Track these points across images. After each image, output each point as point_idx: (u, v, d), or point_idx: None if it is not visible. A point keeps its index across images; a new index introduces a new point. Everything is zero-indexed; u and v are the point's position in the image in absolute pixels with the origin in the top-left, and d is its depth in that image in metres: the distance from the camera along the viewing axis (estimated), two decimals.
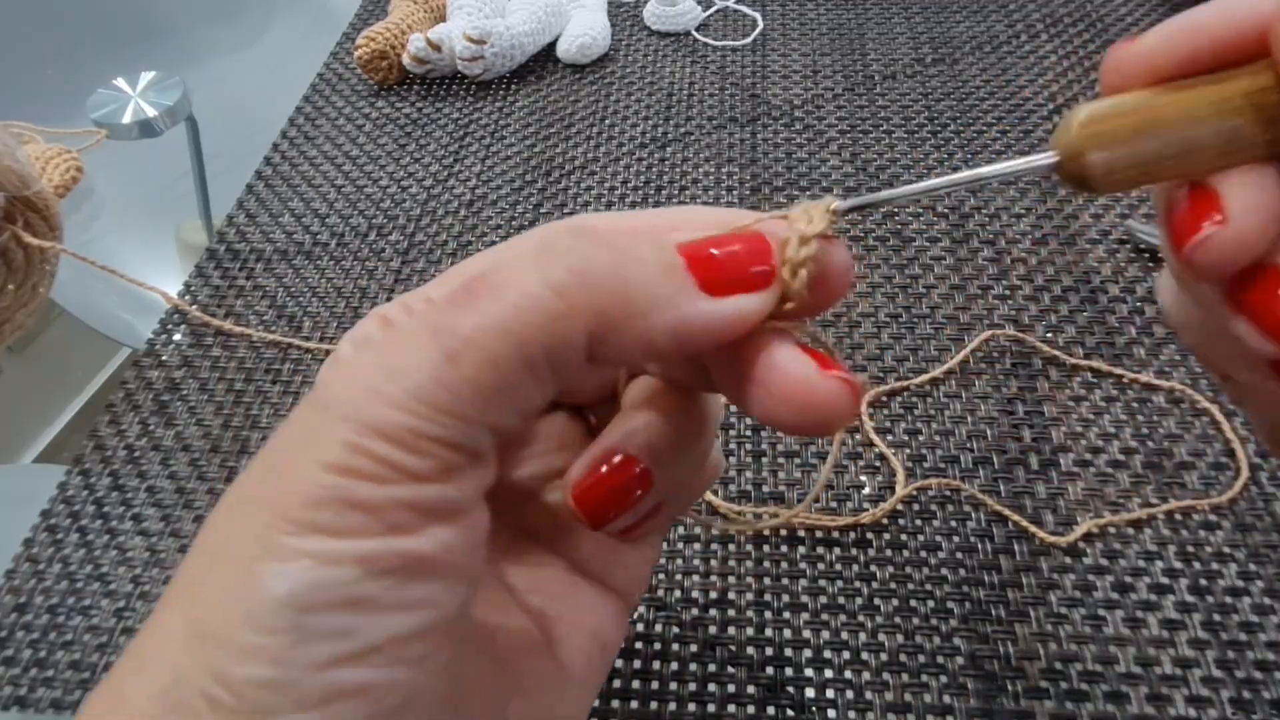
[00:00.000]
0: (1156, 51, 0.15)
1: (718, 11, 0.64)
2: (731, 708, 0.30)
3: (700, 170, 0.51)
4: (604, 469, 0.18)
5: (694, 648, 0.31)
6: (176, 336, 0.44)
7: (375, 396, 0.14)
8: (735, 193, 0.49)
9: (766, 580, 0.33)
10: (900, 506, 0.35)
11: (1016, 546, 0.34)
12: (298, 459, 0.15)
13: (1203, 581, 0.32)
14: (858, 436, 0.37)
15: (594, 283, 0.15)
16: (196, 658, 0.14)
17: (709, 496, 0.35)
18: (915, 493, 0.35)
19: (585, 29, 0.59)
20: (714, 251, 0.16)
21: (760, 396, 0.16)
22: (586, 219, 0.17)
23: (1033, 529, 0.34)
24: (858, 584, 0.33)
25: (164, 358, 0.43)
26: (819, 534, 0.34)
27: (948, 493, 0.35)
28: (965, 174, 0.17)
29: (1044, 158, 0.16)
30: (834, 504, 0.35)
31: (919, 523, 0.34)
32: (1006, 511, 0.34)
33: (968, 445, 0.37)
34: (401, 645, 0.15)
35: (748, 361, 0.16)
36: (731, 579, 0.33)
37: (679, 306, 0.15)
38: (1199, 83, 0.15)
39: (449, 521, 0.15)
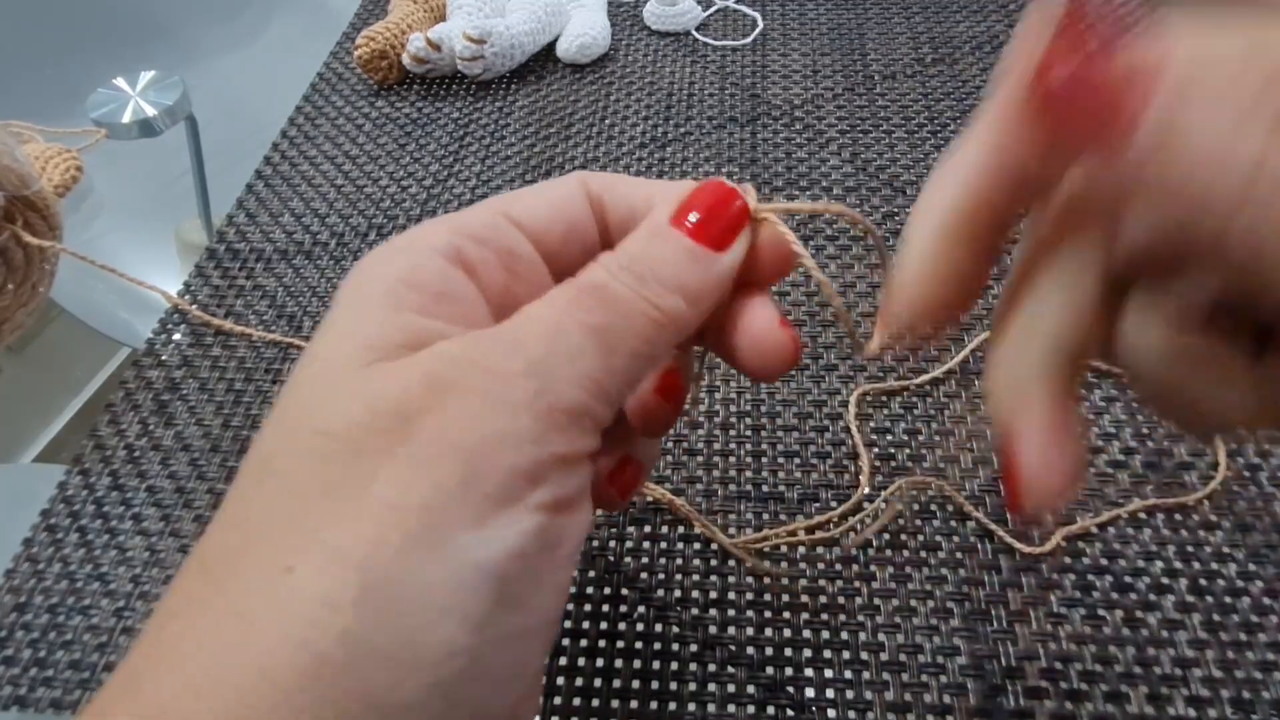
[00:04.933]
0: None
1: (718, 11, 0.64)
2: (731, 708, 0.30)
3: (700, 170, 0.51)
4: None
5: (694, 648, 0.31)
6: (176, 336, 0.44)
7: (564, 377, 0.16)
8: None
9: (766, 580, 0.33)
10: (900, 506, 0.35)
11: (1017, 546, 0.34)
12: (492, 420, 0.15)
13: (1203, 581, 0.32)
14: (857, 436, 0.37)
15: (686, 297, 0.18)
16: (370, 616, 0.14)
17: (698, 518, 0.35)
18: (916, 492, 0.35)
19: (585, 29, 0.59)
20: (713, 224, 0.19)
21: (740, 341, 0.20)
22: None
23: (1010, 540, 0.34)
24: (857, 584, 0.33)
25: (164, 357, 0.43)
26: (819, 534, 0.34)
27: (946, 494, 0.35)
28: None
29: None
30: (834, 503, 0.35)
31: (919, 523, 0.34)
32: (991, 525, 0.34)
33: (967, 445, 0.37)
34: (545, 610, 0.17)
35: (734, 312, 0.21)
36: (731, 579, 0.33)
37: (718, 276, 0.19)
38: None
39: (583, 503, 0.18)
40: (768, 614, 0.32)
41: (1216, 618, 0.31)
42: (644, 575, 0.33)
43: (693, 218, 0.19)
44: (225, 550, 0.15)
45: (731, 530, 0.34)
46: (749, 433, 0.38)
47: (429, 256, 0.19)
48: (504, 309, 0.19)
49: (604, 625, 0.32)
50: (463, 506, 0.15)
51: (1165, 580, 0.32)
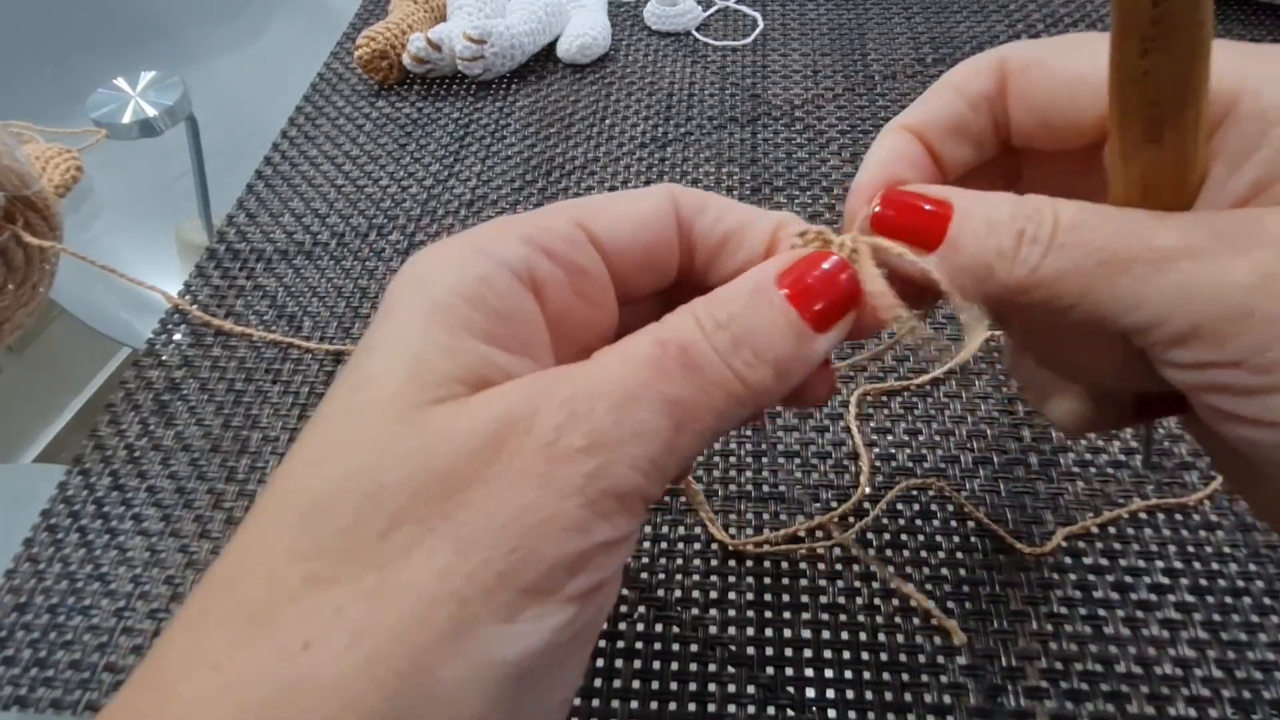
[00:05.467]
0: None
1: (718, 11, 0.64)
2: (731, 708, 0.30)
3: (700, 170, 0.51)
4: None
5: (694, 648, 0.31)
6: (176, 336, 0.44)
7: (625, 457, 0.15)
8: (735, 193, 0.49)
9: (767, 580, 0.33)
10: (900, 506, 0.35)
11: (1017, 546, 0.34)
12: (539, 505, 0.14)
13: (1203, 582, 0.32)
14: (857, 437, 0.37)
15: (775, 372, 0.17)
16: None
17: (703, 511, 0.35)
18: (915, 493, 0.35)
19: (585, 29, 0.59)
20: (819, 298, 0.18)
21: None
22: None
23: (1012, 541, 0.34)
24: (858, 584, 0.33)
25: (164, 357, 0.43)
26: (819, 534, 0.34)
27: (946, 494, 0.35)
28: None
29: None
30: (834, 504, 0.35)
31: (919, 522, 0.34)
32: (989, 523, 0.34)
33: (968, 445, 0.37)
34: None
35: None
36: (732, 579, 0.33)
37: (809, 358, 0.18)
38: None
39: (619, 577, 0.16)
40: (768, 614, 0.32)
41: (1217, 618, 0.31)
42: (644, 575, 0.33)
43: (799, 283, 0.18)
44: (239, 600, 0.14)
45: (732, 530, 0.34)
46: (749, 432, 0.38)
47: (499, 271, 0.17)
48: (561, 328, 0.18)
49: (604, 625, 0.32)
50: (496, 600, 0.14)
51: (1166, 580, 0.32)
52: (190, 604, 0.15)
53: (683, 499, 0.36)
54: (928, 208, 0.18)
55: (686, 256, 0.20)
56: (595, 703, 0.30)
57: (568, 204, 0.19)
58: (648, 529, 0.35)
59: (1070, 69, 0.19)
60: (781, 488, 0.36)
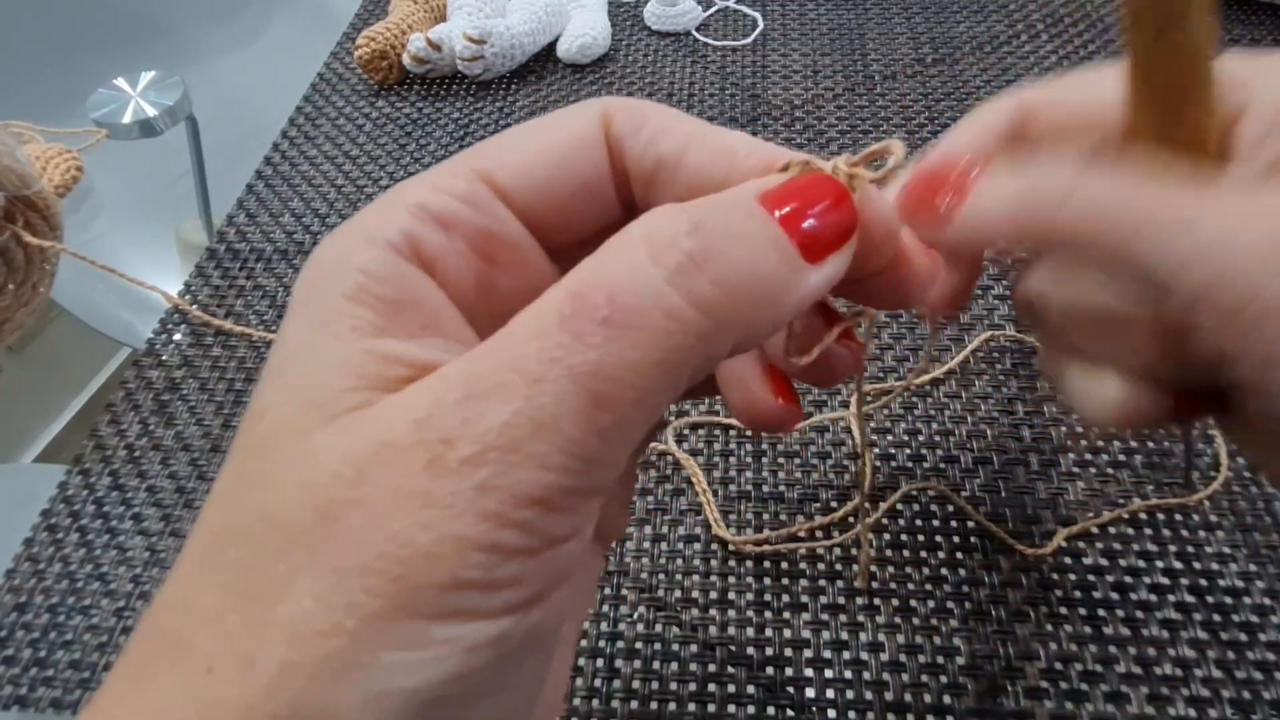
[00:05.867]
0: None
1: (718, 11, 0.64)
2: (732, 708, 0.30)
3: None
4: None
5: (694, 648, 0.31)
6: (177, 336, 0.44)
7: (525, 458, 0.13)
8: None
9: (767, 580, 0.33)
10: (900, 506, 0.35)
11: (1017, 546, 0.34)
12: (425, 525, 0.13)
13: (1203, 582, 0.32)
14: (858, 437, 0.37)
15: (738, 293, 0.13)
16: None
17: (708, 510, 0.35)
18: (916, 493, 0.35)
19: (585, 29, 0.59)
20: (810, 218, 0.15)
21: (732, 400, 0.19)
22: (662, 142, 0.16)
23: (1011, 541, 0.34)
24: (858, 584, 0.33)
25: (164, 357, 0.43)
26: (819, 534, 0.34)
27: (945, 496, 0.35)
28: None
29: None
30: (834, 504, 0.35)
31: (919, 523, 0.34)
32: (988, 524, 0.34)
33: (968, 445, 0.37)
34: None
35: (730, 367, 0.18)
36: (732, 579, 0.33)
37: (799, 287, 0.14)
38: None
39: (569, 578, 0.14)
40: (768, 614, 0.32)
41: (1217, 618, 0.31)
42: (644, 575, 0.33)
43: (784, 200, 0.15)
44: (159, 631, 0.14)
45: (732, 530, 0.34)
46: (749, 432, 0.38)
47: (382, 254, 0.15)
48: (480, 297, 0.16)
49: (604, 625, 0.32)
50: (386, 629, 0.12)
51: (1165, 581, 0.32)
52: (134, 633, 0.15)
53: (683, 498, 0.36)
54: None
55: (627, 184, 0.17)
56: (595, 703, 0.30)
57: (472, 150, 0.16)
58: (648, 529, 0.35)
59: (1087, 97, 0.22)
60: (781, 488, 0.36)
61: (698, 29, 0.62)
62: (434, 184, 0.16)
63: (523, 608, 0.13)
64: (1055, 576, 0.33)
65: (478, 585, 0.13)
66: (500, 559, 0.13)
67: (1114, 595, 0.32)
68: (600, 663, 0.31)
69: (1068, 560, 0.33)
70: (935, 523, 0.34)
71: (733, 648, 0.31)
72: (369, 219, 0.15)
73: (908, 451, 0.37)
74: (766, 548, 0.34)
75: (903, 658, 0.31)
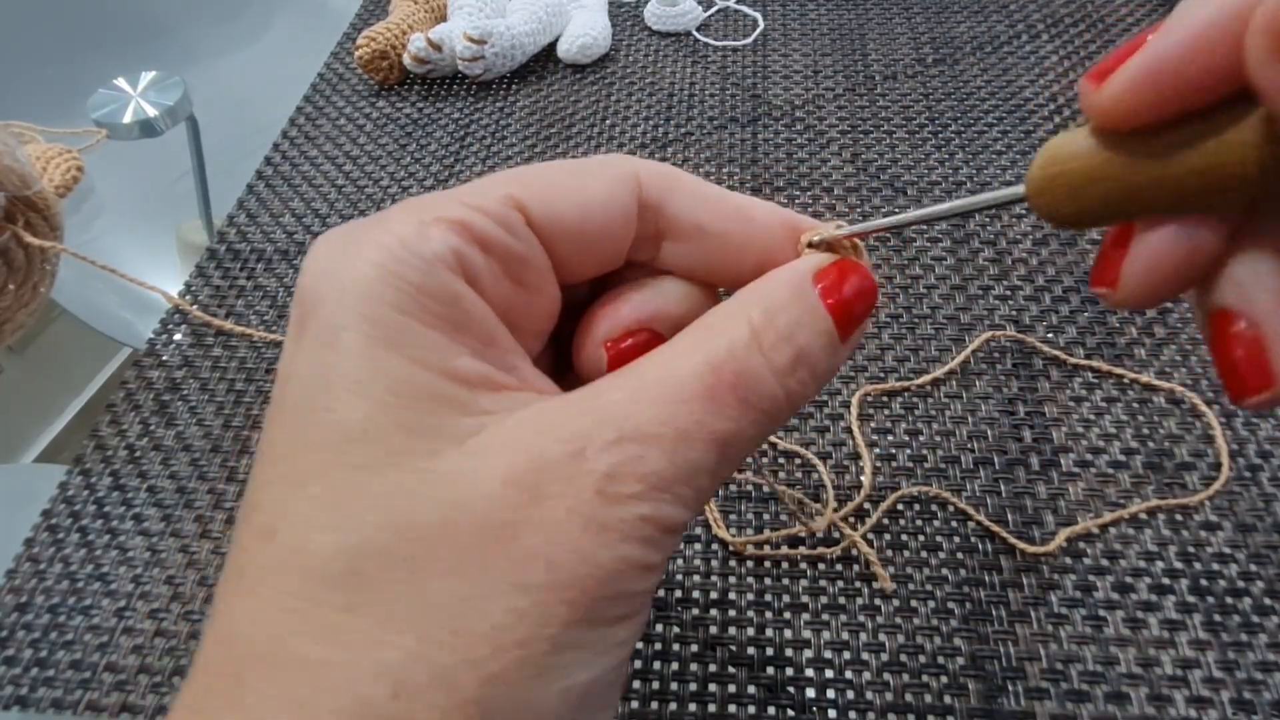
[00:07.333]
0: (1122, 100, 0.14)
1: (718, 11, 0.64)
2: (732, 708, 0.30)
3: (701, 170, 0.51)
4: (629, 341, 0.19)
5: (694, 648, 0.31)
6: (177, 336, 0.44)
7: (674, 498, 0.15)
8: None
9: (767, 580, 0.33)
10: (901, 506, 0.35)
11: (1018, 546, 0.34)
12: (606, 547, 0.15)
13: (1203, 582, 0.32)
14: (857, 437, 0.37)
15: (819, 382, 0.17)
16: None
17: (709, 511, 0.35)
18: (916, 494, 0.35)
19: (586, 29, 0.59)
20: (853, 307, 0.17)
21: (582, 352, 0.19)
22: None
23: (1013, 540, 0.34)
24: (858, 584, 0.33)
25: (165, 357, 0.43)
26: (819, 534, 0.34)
27: (944, 495, 0.35)
28: (945, 206, 0.17)
29: (1012, 193, 0.16)
30: (835, 504, 0.35)
31: (920, 523, 0.34)
32: (990, 524, 0.34)
33: (968, 446, 0.37)
34: None
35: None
36: (732, 579, 0.33)
37: (838, 369, 0.18)
38: (1165, 134, 0.14)
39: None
40: (768, 614, 0.32)
41: (1217, 618, 0.31)
42: None
43: (834, 290, 0.17)
44: (301, 661, 0.14)
45: (732, 530, 0.34)
46: None
47: (439, 273, 0.15)
48: (503, 319, 0.17)
49: None
50: (576, 634, 0.14)
51: (1166, 581, 0.32)
52: (204, 651, 0.15)
53: None
54: None
55: (642, 239, 0.18)
56: None
57: (507, 176, 0.17)
58: None
59: None
60: (781, 488, 0.36)
61: (698, 29, 0.62)
62: (468, 203, 0.16)
63: (636, 616, 0.16)
64: (1056, 577, 0.33)
65: (636, 595, 0.15)
66: (650, 574, 0.15)
67: (1115, 595, 0.32)
68: None
69: (1068, 560, 0.33)
70: (936, 523, 0.34)
71: (733, 648, 0.31)
72: (399, 230, 0.16)
73: (908, 452, 0.37)
74: (767, 548, 0.34)
75: (903, 658, 0.31)
